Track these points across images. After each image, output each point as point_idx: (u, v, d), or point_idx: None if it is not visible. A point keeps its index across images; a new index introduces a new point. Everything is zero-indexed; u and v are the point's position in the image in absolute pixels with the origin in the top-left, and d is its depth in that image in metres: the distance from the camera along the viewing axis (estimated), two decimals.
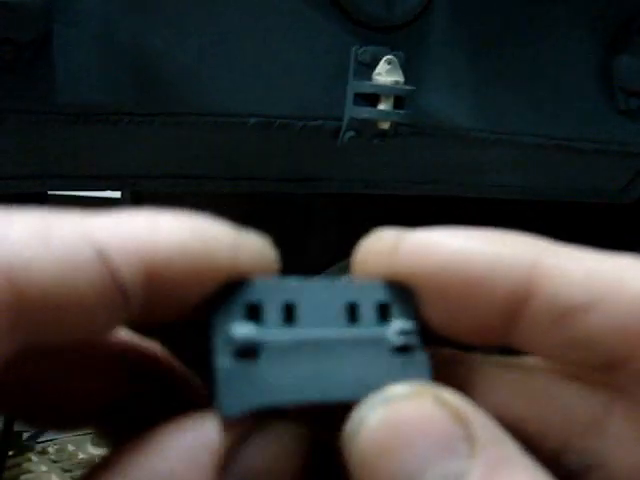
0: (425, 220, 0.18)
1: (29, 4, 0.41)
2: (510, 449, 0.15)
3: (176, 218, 0.17)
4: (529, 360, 0.18)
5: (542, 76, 0.58)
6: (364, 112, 0.51)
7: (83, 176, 0.51)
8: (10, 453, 0.77)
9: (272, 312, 0.17)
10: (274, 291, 0.17)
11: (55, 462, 0.76)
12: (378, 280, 0.17)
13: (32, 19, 0.42)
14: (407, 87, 0.51)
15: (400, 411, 0.15)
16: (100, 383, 0.18)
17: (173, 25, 0.47)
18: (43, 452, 0.78)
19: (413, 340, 0.17)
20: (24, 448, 0.78)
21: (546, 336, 0.16)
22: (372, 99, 0.51)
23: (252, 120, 0.50)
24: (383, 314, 0.17)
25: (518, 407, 0.18)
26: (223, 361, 0.16)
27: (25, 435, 0.81)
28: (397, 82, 0.50)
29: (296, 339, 0.17)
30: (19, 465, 0.76)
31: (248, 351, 0.16)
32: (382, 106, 0.51)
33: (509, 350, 0.18)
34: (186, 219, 0.17)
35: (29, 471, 0.75)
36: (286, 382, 0.16)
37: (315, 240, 0.97)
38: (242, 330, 0.16)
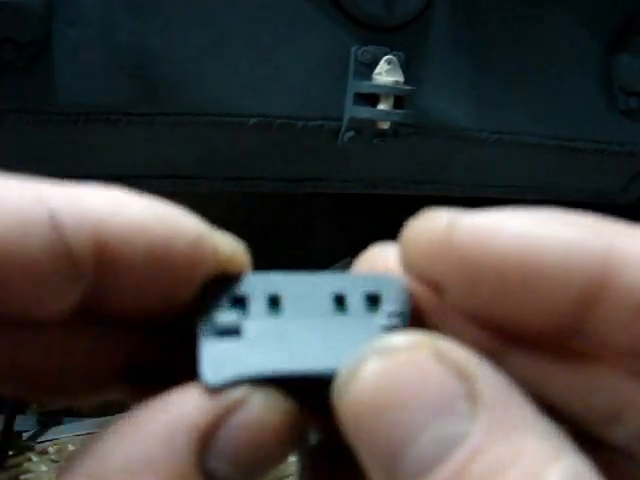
0: None
1: (29, 4, 0.41)
2: (520, 409, 0.13)
3: (139, 197, 0.16)
4: None
5: (542, 76, 0.58)
6: (364, 112, 0.51)
7: (83, 176, 0.51)
8: (10, 453, 0.77)
9: (257, 303, 0.17)
10: (259, 284, 0.17)
11: (55, 462, 0.76)
12: (368, 272, 0.17)
13: (32, 19, 0.42)
14: (407, 87, 0.51)
15: (394, 366, 0.14)
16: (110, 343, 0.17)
17: (172, 25, 0.47)
18: (43, 452, 0.78)
19: (402, 324, 0.16)
20: (24, 448, 0.78)
21: (623, 331, 0.14)
22: (372, 99, 0.51)
23: (252, 120, 0.50)
24: (372, 304, 0.17)
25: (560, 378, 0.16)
26: (207, 339, 0.16)
27: (25, 435, 0.81)
28: (397, 82, 0.50)
29: (281, 323, 0.16)
30: (19, 465, 0.76)
31: (231, 332, 0.16)
32: (382, 106, 0.51)
33: None
34: (149, 200, 0.16)
35: (29, 471, 0.75)
36: (268, 355, 0.16)
37: (315, 240, 0.97)
38: (226, 318, 0.16)
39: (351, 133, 0.52)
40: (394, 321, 0.16)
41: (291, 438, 0.15)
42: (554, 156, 0.62)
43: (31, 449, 0.81)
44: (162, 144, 0.51)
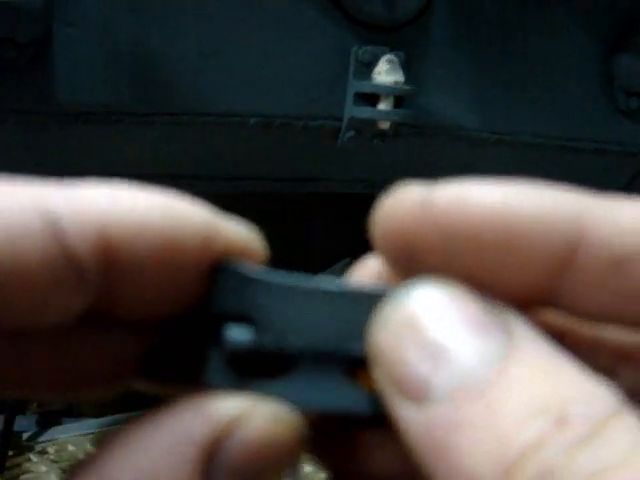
0: None
1: (29, 4, 0.41)
2: (547, 347, 0.14)
3: (142, 191, 0.15)
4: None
5: (542, 76, 0.58)
6: (364, 112, 0.51)
7: (82, 176, 0.51)
8: (10, 453, 0.77)
9: (263, 318, 0.16)
10: (264, 293, 0.16)
11: (55, 462, 0.76)
12: (378, 285, 0.17)
13: (32, 19, 0.42)
14: (407, 87, 0.51)
15: (435, 292, 0.14)
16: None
17: (173, 25, 0.47)
18: (43, 452, 0.78)
19: None
20: (24, 448, 0.78)
21: (599, 289, 0.14)
22: (372, 99, 0.51)
23: (252, 120, 0.50)
24: None
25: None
26: (215, 372, 0.16)
27: (25, 435, 0.81)
28: (397, 82, 0.50)
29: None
30: (19, 465, 0.76)
31: (242, 359, 0.16)
32: (382, 106, 0.51)
33: None
34: (153, 194, 0.15)
35: (29, 471, 0.75)
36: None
37: (315, 240, 0.97)
38: (236, 335, 0.16)
39: (351, 133, 0.52)
40: None
41: (294, 450, 0.15)
42: (554, 156, 0.62)
43: (31, 449, 0.81)
44: (162, 144, 0.51)
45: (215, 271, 0.16)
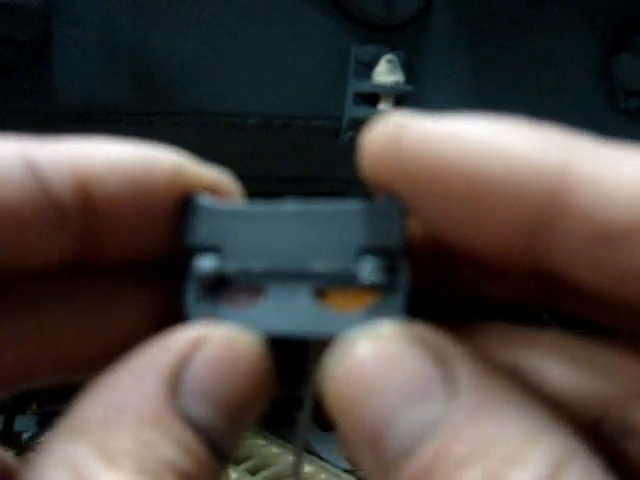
0: None
1: (29, 4, 0.41)
2: (500, 390, 0.13)
3: (115, 141, 0.16)
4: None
5: (542, 75, 0.58)
6: (364, 112, 0.51)
7: None
8: (10, 453, 0.77)
9: (228, 245, 0.16)
10: (227, 221, 0.17)
11: None
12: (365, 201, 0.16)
13: (32, 19, 0.42)
14: (407, 87, 0.51)
15: (375, 352, 0.13)
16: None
17: (173, 25, 0.47)
18: None
19: (386, 277, 0.15)
20: (24, 448, 0.78)
21: (584, 260, 0.12)
22: (372, 99, 0.51)
23: (252, 120, 0.50)
24: (359, 248, 0.16)
25: (554, 374, 0.15)
26: (191, 286, 0.16)
27: (25, 435, 0.81)
28: (397, 82, 0.50)
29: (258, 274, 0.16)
30: None
31: (214, 288, 0.16)
32: (382, 106, 0.51)
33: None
34: (126, 143, 0.16)
35: None
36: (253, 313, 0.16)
37: None
38: (201, 264, 0.16)
39: (351, 133, 0.52)
40: (376, 278, 0.15)
41: (259, 375, 0.15)
42: None
43: (31, 449, 0.81)
44: (162, 144, 0.50)
45: (184, 206, 0.16)
